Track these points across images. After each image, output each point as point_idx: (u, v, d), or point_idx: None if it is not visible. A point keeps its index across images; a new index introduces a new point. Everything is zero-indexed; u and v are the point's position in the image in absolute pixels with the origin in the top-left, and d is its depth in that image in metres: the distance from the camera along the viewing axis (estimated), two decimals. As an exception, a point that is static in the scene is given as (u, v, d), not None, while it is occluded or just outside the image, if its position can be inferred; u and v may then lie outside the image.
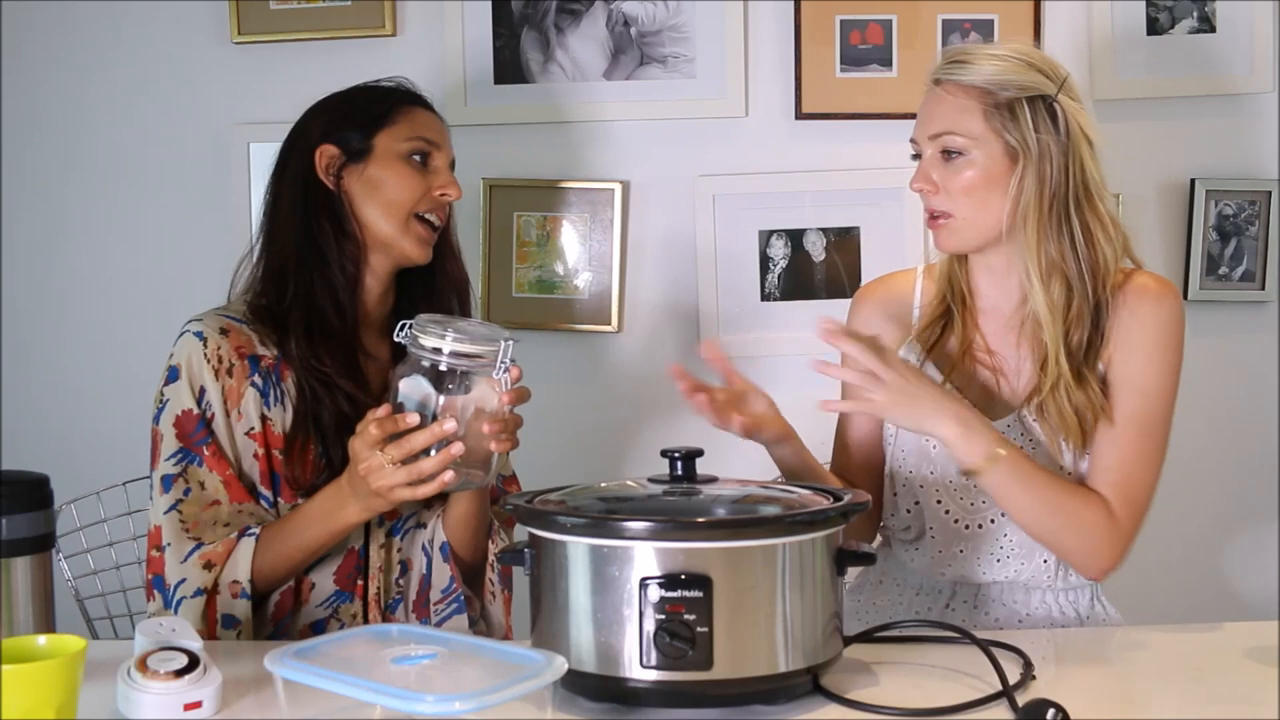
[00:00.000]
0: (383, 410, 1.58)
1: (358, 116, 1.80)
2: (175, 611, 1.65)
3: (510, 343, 1.57)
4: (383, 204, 1.78)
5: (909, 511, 1.80)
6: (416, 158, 1.79)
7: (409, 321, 1.59)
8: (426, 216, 1.79)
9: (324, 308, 1.76)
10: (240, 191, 2.46)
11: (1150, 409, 1.69)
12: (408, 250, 1.79)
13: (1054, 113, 1.68)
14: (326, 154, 1.79)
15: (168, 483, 1.70)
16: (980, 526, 1.75)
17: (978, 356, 1.78)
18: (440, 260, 1.86)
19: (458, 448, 1.56)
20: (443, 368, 1.57)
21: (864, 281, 2.42)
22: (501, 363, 1.56)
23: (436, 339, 1.56)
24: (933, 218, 1.73)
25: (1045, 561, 1.75)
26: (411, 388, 1.58)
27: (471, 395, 1.57)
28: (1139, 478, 1.68)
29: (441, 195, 1.80)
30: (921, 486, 1.77)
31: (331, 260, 1.77)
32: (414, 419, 1.56)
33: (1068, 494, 1.65)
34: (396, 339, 1.60)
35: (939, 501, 1.76)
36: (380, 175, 1.78)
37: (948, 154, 1.70)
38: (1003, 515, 1.74)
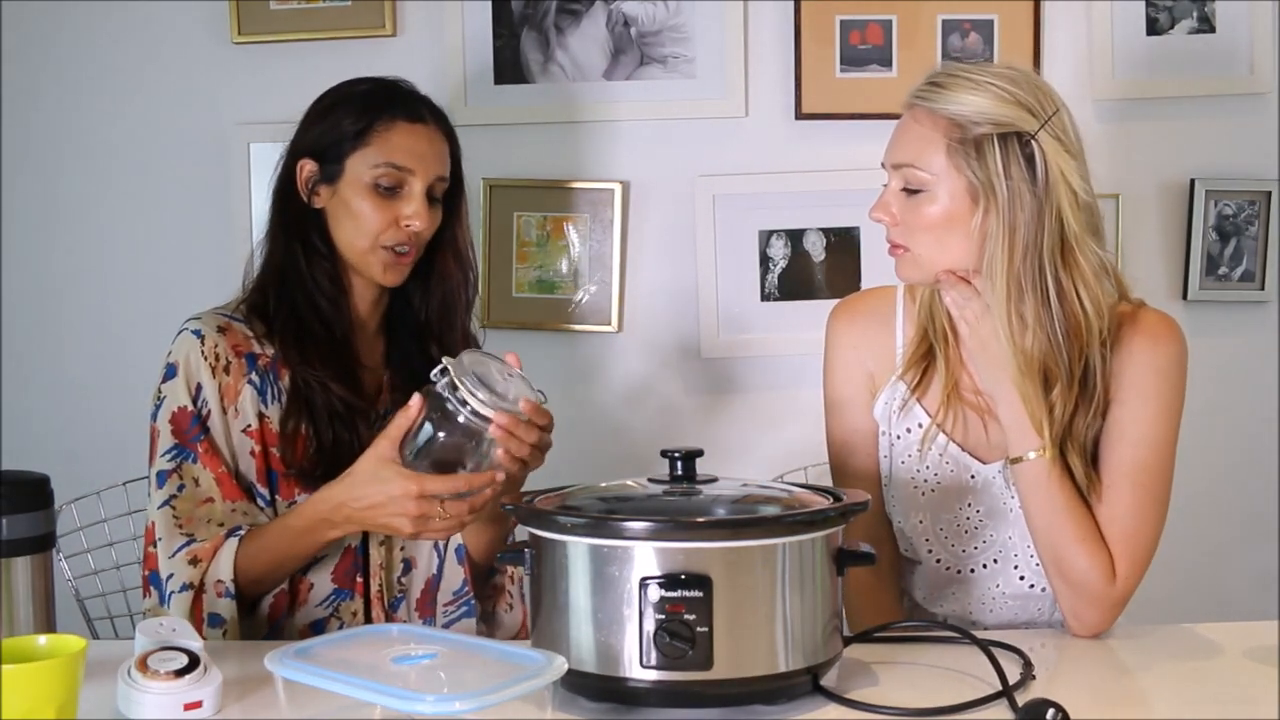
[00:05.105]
0: (445, 484, 1.57)
1: (334, 131, 1.76)
2: (168, 605, 1.66)
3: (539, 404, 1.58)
4: (349, 230, 1.76)
5: (906, 551, 1.78)
6: (385, 186, 1.74)
7: (449, 375, 1.53)
8: (395, 247, 1.76)
9: (309, 321, 1.76)
10: (240, 191, 2.46)
11: (1149, 459, 1.61)
12: (376, 276, 1.77)
13: (1030, 154, 1.55)
14: (306, 169, 1.78)
15: (162, 478, 1.71)
16: (973, 571, 1.73)
17: (965, 397, 1.70)
18: (440, 261, 1.84)
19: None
20: (483, 435, 1.55)
21: (864, 282, 2.43)
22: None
23: (482, 405, 1.53)
24: (892, 247, 1.64)
25: (1040, 609, 1.74)
26: (453, 440, 1.57)
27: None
28: (1137, 531, 1.60)
29: (407, 226, 1.75)
30: (910, 534, 1.75)
31: (306, 278, 1.77)
32: (464, 483, 1.56)
33: (1078, 542, 1.58)
34: (430, 383, 1.56)
35: (930, 550, 1.74)
36: (348, 201, 1.76)
37: (909, 190, 1.60)
38: (995, 562, 1.72)
